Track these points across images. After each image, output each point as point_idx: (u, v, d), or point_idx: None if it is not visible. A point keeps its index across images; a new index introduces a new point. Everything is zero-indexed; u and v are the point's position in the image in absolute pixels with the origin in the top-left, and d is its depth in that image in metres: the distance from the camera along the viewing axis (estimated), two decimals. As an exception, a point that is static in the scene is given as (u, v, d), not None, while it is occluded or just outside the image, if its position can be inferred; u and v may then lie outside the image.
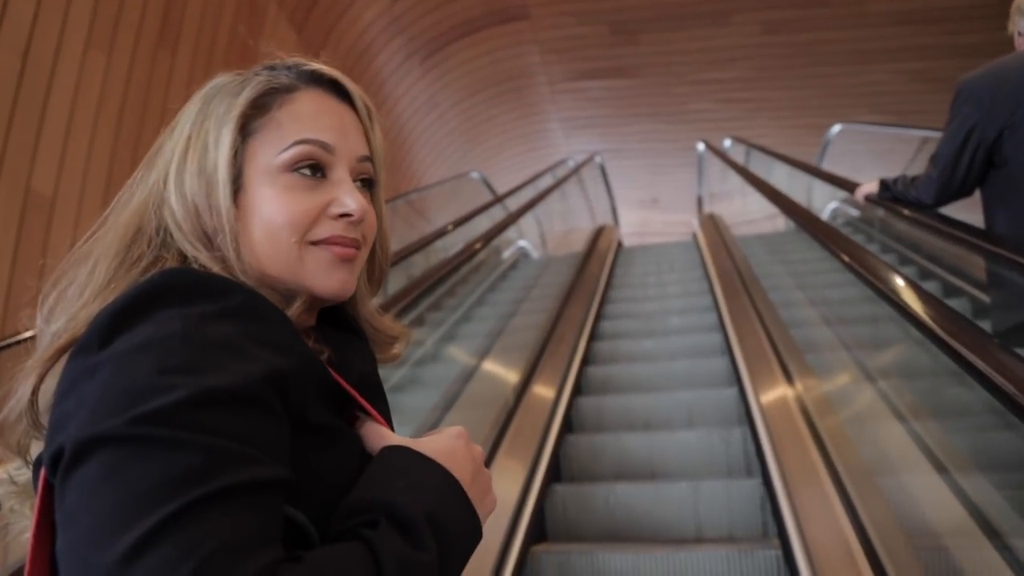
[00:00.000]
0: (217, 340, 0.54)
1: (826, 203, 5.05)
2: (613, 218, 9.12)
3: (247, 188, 0.66)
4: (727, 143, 8.01)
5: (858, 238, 3.96)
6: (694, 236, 6.64)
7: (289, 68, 0.70)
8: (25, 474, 0.64)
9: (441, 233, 4.12)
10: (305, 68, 0.70)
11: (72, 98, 4.33)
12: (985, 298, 2.88)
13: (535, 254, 6.30)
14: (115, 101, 4.73)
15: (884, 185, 2.78)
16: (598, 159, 8.85)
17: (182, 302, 0.56)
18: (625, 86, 9.96)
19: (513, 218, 4.20)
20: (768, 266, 4.64)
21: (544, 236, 6.52)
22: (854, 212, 4.67)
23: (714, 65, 9.39)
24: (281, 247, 0.65)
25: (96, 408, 0.50)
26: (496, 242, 4.76)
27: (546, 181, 6.46)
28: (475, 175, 7.45)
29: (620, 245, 7.08)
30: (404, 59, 8.76)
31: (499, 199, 5.48)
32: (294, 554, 0.50)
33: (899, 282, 2.03)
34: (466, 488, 0.61)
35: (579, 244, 6.15)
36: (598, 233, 6.74)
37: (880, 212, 4.16)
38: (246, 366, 0.53)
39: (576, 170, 7.09)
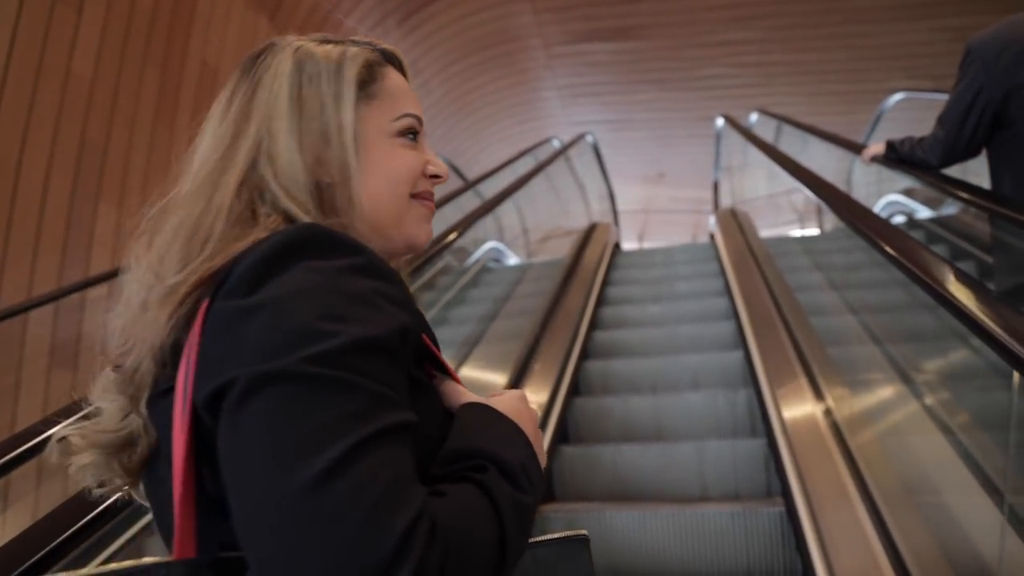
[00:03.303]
0: (357, 293, 0.59)
1: (879, 195, 4.11)
2: (611, 207, 7.80)
3: (365, 147, 0.74)
4: (753, 118, 7.01)
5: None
6: (711, 239, 5.66)
7: (368, 44, 0.79)
8: (104, 423, 0.70)
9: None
10: (380, 47, 0.80)
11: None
12: (989, 259, 2.86)
13: (511, 260, 5.30)
14: (-7, 67, 3.86)
15: (891, 146, 2.79)
16: (590, 139, 7.67)
17: (319, 255, 0.61)
18: (629, 49, 9.23)
19: (469, 221, 3.30)
20: (802, 274, 3.76)
21: (527, 234, 5.51)
22: (925, 211, 3.73)
23: (729, 25, 8.61)
24: (396, 198, 0.75)
25: (264, 347, 0.54)
26: (461, 242, 3.87)
27: (527, 165, 5.41)
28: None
29: (617, 248, 5.93)
30: (378, 20, 8.01)
31: (469, 186, 4.57)
32: (435, 488, 0.56)
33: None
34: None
35: (559, 257, 5.02)
36: (586, 237, 5.56)
37: (953, 210, 3.28)
38: (384, 318, 0.59)
39: (562, 151, 5.99)
